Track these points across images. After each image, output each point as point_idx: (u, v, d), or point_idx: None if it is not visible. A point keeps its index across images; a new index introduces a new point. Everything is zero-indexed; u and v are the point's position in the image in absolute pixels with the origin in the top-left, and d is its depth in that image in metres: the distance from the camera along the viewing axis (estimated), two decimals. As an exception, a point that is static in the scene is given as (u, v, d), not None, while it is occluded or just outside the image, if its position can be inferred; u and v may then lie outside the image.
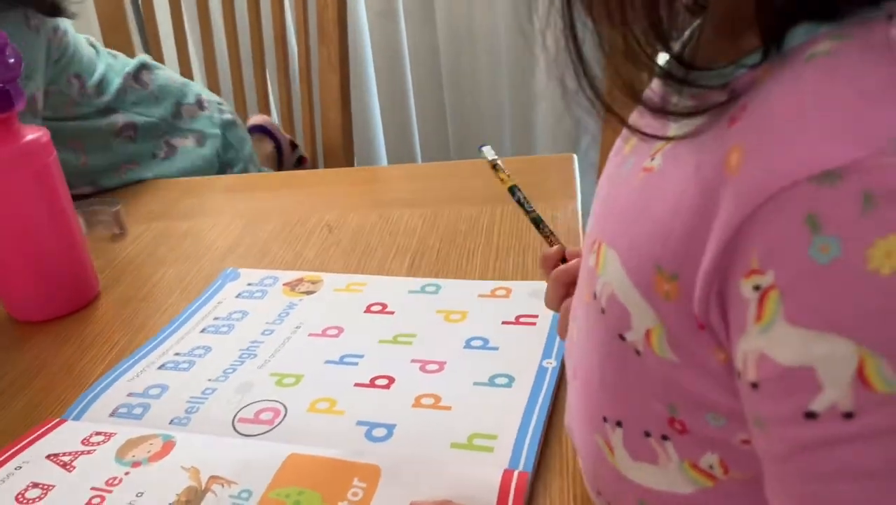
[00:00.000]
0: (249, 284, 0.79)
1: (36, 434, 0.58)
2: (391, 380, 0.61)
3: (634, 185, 0.34)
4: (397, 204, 0.95)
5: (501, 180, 0.61)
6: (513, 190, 0.60)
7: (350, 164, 1.32)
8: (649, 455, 0.35)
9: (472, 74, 1.75)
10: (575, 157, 1.00)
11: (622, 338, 0.34)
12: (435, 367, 0.62)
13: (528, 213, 0.60)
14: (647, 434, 0.35)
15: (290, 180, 1.14)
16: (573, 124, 1.70)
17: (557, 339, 0.62)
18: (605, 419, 0.37)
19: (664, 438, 0.34)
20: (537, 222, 0.60)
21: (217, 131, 1.16)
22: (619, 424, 0.36)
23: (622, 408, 0.36)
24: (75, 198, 1.06)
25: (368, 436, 0.55)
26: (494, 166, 0.61)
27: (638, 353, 0.33)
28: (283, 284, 0.78)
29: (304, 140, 1.39)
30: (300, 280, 0.78)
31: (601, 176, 0.41)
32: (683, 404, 0.32)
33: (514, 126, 1.77)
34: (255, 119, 1.30)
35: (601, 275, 0.35)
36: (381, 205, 0.96)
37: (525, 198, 0.60)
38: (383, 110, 1.82)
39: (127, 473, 0.52)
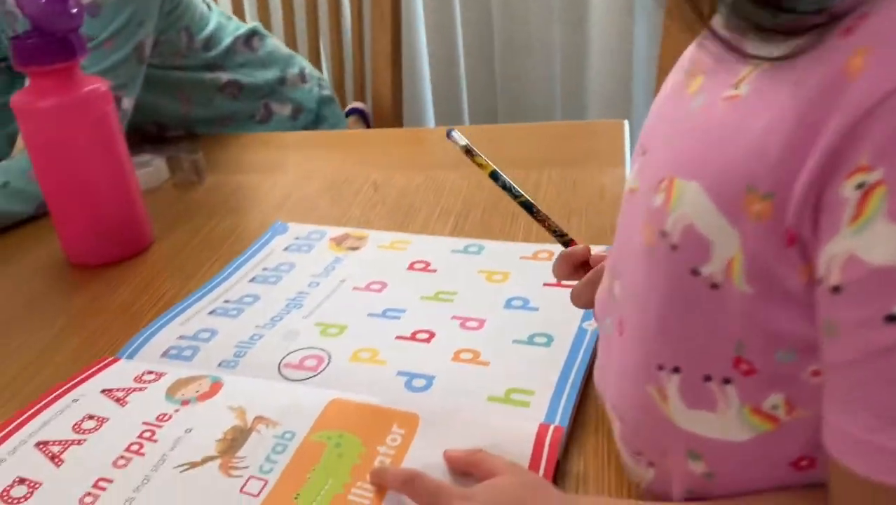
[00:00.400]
0: (297, 238, 0.80)
1: (91, 370, 0.60)
2: (432, 334, 0.62)
3: (716, 116, 0.34)
4: (443, 165, 0.96)
5: (480, 166, 0.56)
6: (495, 175, 0.56)
7: (399, 124, 1.32)
8: (707, 402, 0.35)
9: (524, 36, 1.73)
10: (626, 123, 0.99)
11: (696, 273, 0.34)
12: (475, 323, 0.63)
13: (516, 198, 0.56)
14: (708, 378, 0.35)
15: (340, 139, 1.15)
16: (625, 90, 1.67)
17: (598, 301, 0.63)
18: (660, 367, 0.37)
19: (726, 381, 0.34)
20: (528, 207, 0.56)
21: (313, 106, 1.19)
22: (676, 370, 0.36)
23: (682, 352, 0.36)
24: (161, 140, 1.09)
25: (408, 386, 0.56)
26: (468, 151, 0.56)
27: (714, 286, 0.33)
28: (330, 239, 0.79)
29: (353, 99, 1.40)
30: (346, 236, 0.80)
31: (649, 126, 0.41)
32: (753, 341, 0.33)
33: (564, 90, 1.75)
34: (355, 103, 1.33)
35: (673, 210, 0.34)
36: (428, 166, 0.97)
37: (510, 182, 0.56)
38: (433, 71, 1.82)
39: (176, 411, 0.55)
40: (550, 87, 1.76)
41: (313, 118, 1.19)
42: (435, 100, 1.84)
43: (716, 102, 0.34)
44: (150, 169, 0.96)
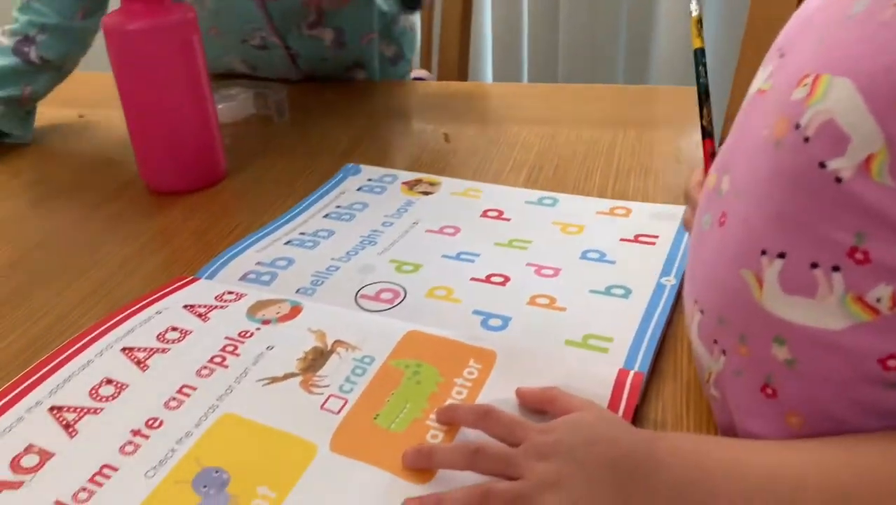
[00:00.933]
0: (370, 180, 0.81)
1: (173, 287, 0.62)
2: (506, 278, 0.62)
3: (882, 20, 0.35)
4: (514, 121, 0.95)
5: (695, 38, 0.58)
6: (701, 52, 0.57)
7: (463, 79, 1.32)
8: (807, 288, 0.36)
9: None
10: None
11: (822, 166, 0.35)
12: (550, 272, 0.63)
13: (698, 79, 0.57)
14: (815, 265, 0.35)
15: (411, 90, 1.14)
16: (691, 57, 1.64)
17: (678, 258, 0.62)
18: (763, 252, 0.38)
19: (835, 268, 0.35)
20: (704, 92, 0.57)
21: (410, 56, 1.16)
22: (781, 255, 0.37)
23: (793, 239, 0.36)
24: (248, 77, 1.09)
25: (484, 325, 0.56)
26: (699, 21, 0.58)
27: (839, 180, 0.34)
28: (402, 183, 0.80)
29: (421, 51, 1.39)
30: (419, 181, 0.80)
31: (791, 31, 0.42)
32: (878, 233, 0.33)
33: (628, 53, 1.72)
34: (418, 71, 1.32)
35: (813, 104, 0.35)
36: (498, 120, 0.96)
37: (705, 66, 0.57)
38: (495, 26, 1.80)
39: (258, 329, 0.56)
40: (614, 50, 1.73)
41: (407, 68, 1.17)
42: (495, 57, 1.83)
43: (883, 8, 0.35)
44: (235, 103, 0.97)
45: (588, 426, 0.43)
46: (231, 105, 0.96)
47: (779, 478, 0.37)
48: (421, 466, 0.44)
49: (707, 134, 0.57)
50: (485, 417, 0.45)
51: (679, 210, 0.69)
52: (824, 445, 0.37)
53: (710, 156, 0.57)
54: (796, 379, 0.38)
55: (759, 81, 0.43)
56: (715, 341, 0.42)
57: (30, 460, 0.45)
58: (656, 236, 0.66)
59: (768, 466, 0.38)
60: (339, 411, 0.48)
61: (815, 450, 0.37)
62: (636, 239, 0.66)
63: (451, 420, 0.47)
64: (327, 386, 0.50)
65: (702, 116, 0.57)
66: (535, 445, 0.42)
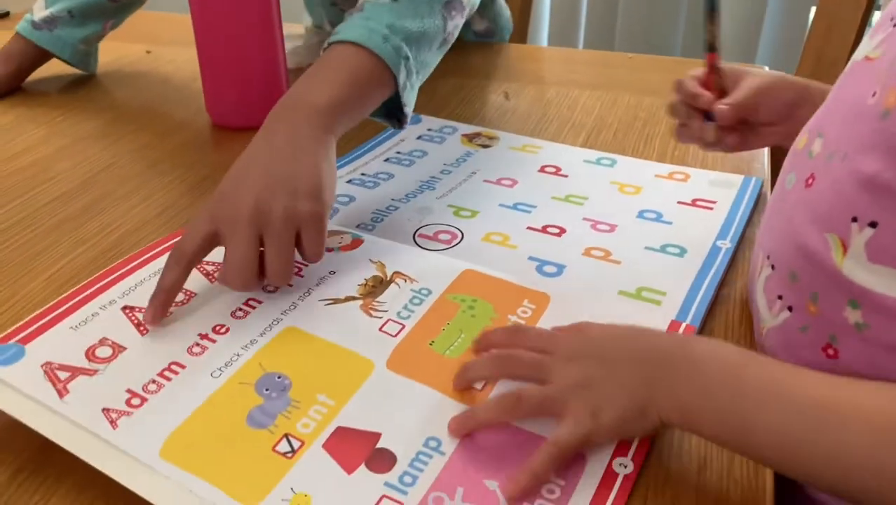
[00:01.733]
0: (430, 130, 0.82)
1: (239, 212, 0.64)
2: (562, 230, 0.63)
3: None
4: (574, 84, 0.95)
5: None
6: None
7: (522, 41, 1.32)
8: (895, 259, 0.36)
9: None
10: (766, 70, 0.96)
11: None
12: (606, 227, 0.63)
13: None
14: None
15: (469, 47, 1.15)
16: (753, 35, 1.61)
17: (735, 224, 0.63)
18: (854, 219, 0.38)
19: None
20: (710, 9, 0.58)
21: (503, 34, 1.14)
22: (872, 224, 0.37)
23: (888, 209, 0.36)
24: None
25: (539, 270, 0.58)
26: None
27: None
28: (462, 135, 0.81)
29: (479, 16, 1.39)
30: (478, 134, 0.81)
31: None
32: None
33: (687, 28, 1.71)
34: None
35: None
36: (558, 83, 0.97)
37: None
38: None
39: (320, 256, 0.57)
40: (673, 23, 1.71)
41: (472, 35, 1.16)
42: (552, 21, 1.82)
43: None
44: (302, 49, 0.98)
45: (621, 327, 0.44)
46: (298, 51, 0.98)
47: (827, 407, 0.35)
48: (460, 382, 0.45)
49: (712, 48, 0.58)
50: (516, 333, 0.47)
51: (739, 179, 0.70)
52: (880, 389, 0.37)
53: (712, 68, 0.59)
54: (862, 343, 0.38)
55: (865, 49, 0.42)
56: (780, 297, 0.43)
57: (104, 351, 0.47)
58: (714, 202, 0.66)
59: (816, 391, 0.36)
60: (397, 335, 0.49)
61: (870, 391, 0.37)
62: (694, 203, 0.66)
63: (486, 345, 0.48)
64: (386, 311, 0.51)
65: (706, 32, 0.58)
66: (566, 347, 0.43)
